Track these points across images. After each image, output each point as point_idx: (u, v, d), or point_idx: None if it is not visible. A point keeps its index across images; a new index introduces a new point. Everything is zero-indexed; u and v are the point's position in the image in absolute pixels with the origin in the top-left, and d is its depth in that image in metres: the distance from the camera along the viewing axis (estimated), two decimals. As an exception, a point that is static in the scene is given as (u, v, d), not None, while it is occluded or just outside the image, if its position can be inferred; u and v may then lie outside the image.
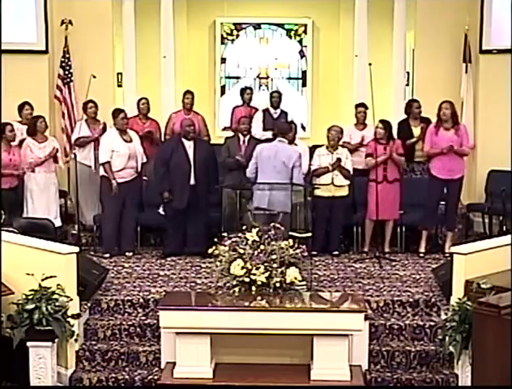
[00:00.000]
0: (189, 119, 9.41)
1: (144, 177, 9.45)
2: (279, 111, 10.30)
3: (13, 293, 6.96)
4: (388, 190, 9.05)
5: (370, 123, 9.61)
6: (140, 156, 9.29)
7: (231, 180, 8.96)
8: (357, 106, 10.00)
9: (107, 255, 9.11)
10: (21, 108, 9.73)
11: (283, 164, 8.41)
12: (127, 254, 9.20)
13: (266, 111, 10.31)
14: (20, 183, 9.19)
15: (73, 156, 9.59)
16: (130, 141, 9.24)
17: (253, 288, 7.04)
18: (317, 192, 9.00)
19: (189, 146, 9.03)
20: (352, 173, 9.18)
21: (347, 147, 9.44)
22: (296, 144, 9.06)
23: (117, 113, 9.29)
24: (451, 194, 9.09)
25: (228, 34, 13.08)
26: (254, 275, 7.02)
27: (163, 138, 10.12)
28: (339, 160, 9.04)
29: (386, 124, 9.21)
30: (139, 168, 9.29)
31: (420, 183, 9.40)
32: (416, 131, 9.73)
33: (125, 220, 9.24)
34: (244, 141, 9.42)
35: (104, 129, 9.65)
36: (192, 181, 8.96)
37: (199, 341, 6.70)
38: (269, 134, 9.47)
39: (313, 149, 9.47)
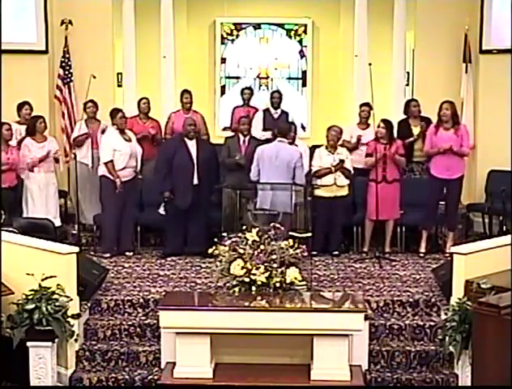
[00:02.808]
0: (191, 118, 9.39)
1: (139, 176, 9.40)
2: (279, 111, 10.29)
3: (13, 293, 6.96)
4: (387, 190, 9.03)
5: (372, 123, 9.62)
6: (140, 155, 9.30)
7: (231, 180, 8.94)
8: (361, 105, 10.00)
9: (107, 255, 9.10)
10: (20, 107, 9.71)
11: (285, 164, 8.41)
12: (127, 253, 9.21)
13: (266, 111, 10.30)
14: (19, 183, 9.20)
15: (73, 155, 9.62)
16: (130, 140, 9.26)
17: (253, 288, 7.04)
18: (318, 192, 9.00)
19: (191, 145, 9.03)
20: (352, 172, 9.18)
21: (346, 146, 9.45)
22: (296, 145, 9.06)
23: (115, 112, 9.28)
24: (451, 193, 9.07)
25: (228, 34, 13.08)
26: (254, 275, 7.03)
27: (164, 138, 10.09)
28: (342, 161, 9.03)
29: (387, 123, 9.21)
30: (139, 168, 9.31)
31: (420, 183, 9.40)
32: (416, 131, 9.72)
33: (125, 219, 9.23)
34: (244, 141, 9.42)
35: (103, 132, 9.62)
36: (195, 181, 8.97)
37: (199, 341, 6.70)
38: (268, 135, 9.47)
39: (312, 149, 9.47)
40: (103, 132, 9.55)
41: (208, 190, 9.01)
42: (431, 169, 9.08)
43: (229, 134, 10.18)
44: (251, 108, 10.68)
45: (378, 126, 9.16)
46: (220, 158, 9.35)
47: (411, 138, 9.65)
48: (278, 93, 10.57)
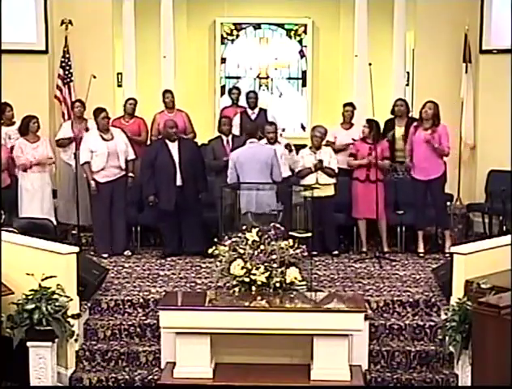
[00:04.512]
0: (172, 120, 9.27)
1: (130, 174, 9.25)
2: (256, 111, 10.30)
3: (13, 293, 6.96)
4: (371, 190, 8.99)
5: (357, 123, 9.65)
6: (123, 153, 9.13)
7: (222, 181, 8.81)
8: (345, 105, 10.01)
9: (105, 255, 9.09)
10: (2, 110, 9.52)
11: (264, 164, 8.39)
12: (127, 254, 9.20)
13: (244, 113, 10.32)
14: (13, 182, 9.18)
15: (73, 156, 9.61)
16: (111, 139, 9.14)
17: (253, 288, 7.05)
18: (305, 193, 8.95)
19: (172, 146, 8.98)
20: (337, 171, 9.14)
21: (331, 146, 9.44)
22: (279, 142, 9.07)
23: (98, 112, 9.21)
24: (433, 194, 9.08)
25: (228, 34, 13.09)
26: (254, 275, 7.03)
27: (149, 139, 9.99)
28: (320, 161, 9.00)
29: (372, 123, 9.16)
30: (123, 166, 9.16)
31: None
32: (400, 131, 9.69)
33: (115, 219, 9.17)
34: (227, 141, 9.41)
35: (87, 130, 9.54)
36: (179, 182, 8.93)
37: (199, 341, 6.69)
38: None
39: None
40: (87, 130, 9.51)
41: (195, 190, 8.98)
42: (411, 171, 9.13)
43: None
44: (239, 107, 10.68)
45: (364, 126, 9.18)
46: (206, 160, 9.31)
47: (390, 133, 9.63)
48: (253, 93, 10.61)
